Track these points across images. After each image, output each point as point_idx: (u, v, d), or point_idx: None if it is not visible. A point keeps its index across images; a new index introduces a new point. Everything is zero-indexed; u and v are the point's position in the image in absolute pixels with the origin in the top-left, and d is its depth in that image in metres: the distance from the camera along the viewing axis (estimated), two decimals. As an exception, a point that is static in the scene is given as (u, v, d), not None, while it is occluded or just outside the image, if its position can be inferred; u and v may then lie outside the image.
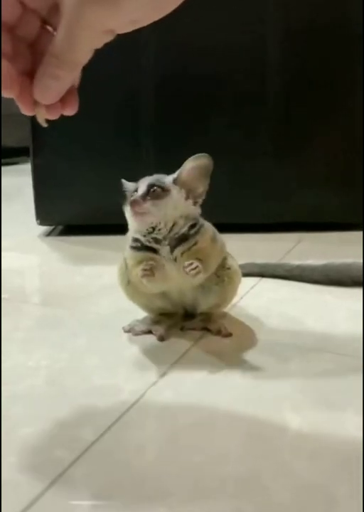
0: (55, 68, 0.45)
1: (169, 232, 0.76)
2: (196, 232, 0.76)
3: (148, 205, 0.75)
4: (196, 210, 0.78)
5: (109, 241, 1.33)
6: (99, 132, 1.37)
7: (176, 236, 0.76)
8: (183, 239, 0.76)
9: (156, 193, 0.75)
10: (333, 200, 1.41)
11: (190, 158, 0.76)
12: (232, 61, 1.32)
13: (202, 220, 0.78)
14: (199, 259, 0.73)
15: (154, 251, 0.76)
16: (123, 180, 0.80)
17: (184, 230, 0.76)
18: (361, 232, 1.41)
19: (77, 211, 1.43)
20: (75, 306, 0.95)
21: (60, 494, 0.50)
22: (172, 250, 0.76)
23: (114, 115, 1.36)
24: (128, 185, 0.82)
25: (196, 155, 0.76)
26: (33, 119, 1.50)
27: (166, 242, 0.76)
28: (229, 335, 0.81)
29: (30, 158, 1.40)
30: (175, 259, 0.76)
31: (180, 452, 0.56)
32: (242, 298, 0.90)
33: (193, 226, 0.77)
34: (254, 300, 0.95)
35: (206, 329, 0.83)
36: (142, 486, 0.51)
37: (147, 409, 0.64)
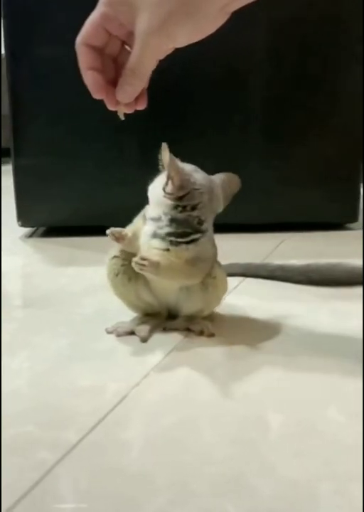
0: (130, 78, 0.64)
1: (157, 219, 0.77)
2: (178, 244, 0.76)
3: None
4: (173, 209, 0.76)
5: (91, 242, 1.33)
6: (81, 134, 1.37)
7: (159, 230, 0.76)
8: (162, 237, 0.76)
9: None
10: (316, 200, 1.42)
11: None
12: (218, 62, 1.33)
13: (201, 239, 0.77)
14: (156, 264, 0.74)
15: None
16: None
17: (164, 230, 0.76)
18: (343, 232, 1.42)
19: (58, 212, 1.42)
20: (57, 307, 0.95)
21: (43, 496, 0.50)
22: (154, 237, 0.76)
23: (96, 116, 1.36)
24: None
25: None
26: (14, 120, 1.49)
27: (152, 227, 0.77)
28: (212, 335, 0.82)
29: (12, 159, 1.39)
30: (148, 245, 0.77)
31: (164, 452, 0.56)
32: (224, 298, 0.90)
33: (180, 235, 0.76)
34: (237, 300, 0.95)
35: (189, 330, 0.83)
36: (127, 487, 0.51)
37: (131, 409, 0.63)
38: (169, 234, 0.76)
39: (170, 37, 0.60)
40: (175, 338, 0.81)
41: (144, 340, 0.80)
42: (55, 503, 0.49)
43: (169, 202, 0.76)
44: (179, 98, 1.34)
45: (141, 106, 0.68)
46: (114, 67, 0.66)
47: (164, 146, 0.75)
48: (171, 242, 0.75)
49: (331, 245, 1.31)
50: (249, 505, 0.49)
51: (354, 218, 1.45)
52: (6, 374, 0.71)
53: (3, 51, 1.33)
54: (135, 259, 0.74)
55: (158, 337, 0.82)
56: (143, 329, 0.82)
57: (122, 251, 0.81)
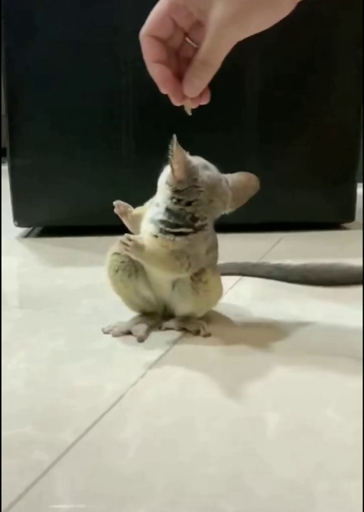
0: (200, 70, 0.62)
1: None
2: (166, 233, 0.76)
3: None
4: (169, 199, 0.76)
5: (88, 242, 1.33)
6: (78, 134, 1.37)
7: (155, 216, 0.77)
8: (155, 222, 0.77)
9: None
10: (312, 200, 1.42)
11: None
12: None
13: (190, 236, 0.76)
14: (141, 247, 0.75)
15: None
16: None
17: (159, 216, 0.77)
18: (340, 231, 1.43)
19: (55, 212, 1.42)
20: (54, 307, 0.95)
21: (39, 497, 0.50)
22: (151, 221, 0.77)
23: (93, 117, 1.36)
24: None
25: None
26: (11, 120, 1.49)
27: (152, 211, 0.78)
28: (209, 335, 0.82)
29: (8, 159, 1.38)
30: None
31: (161, 453, 0.56)
32: (221, 297, 0.90)
33: (171, 226, 0.76)
34: (234, 299, 0.95)
35: (185, 329, 0.83)
36: (123, 488, 0.51)
37: (128, 409, 0.63)
38: (162, 221, 0.76)
39: (243, 27, 0.59)
40: (171, 338, 0.81)
41: (141, 340, 0.80)
42: (52, 503, 0.49)
43: (168, 191, 0.76)
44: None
45: (206, 100, 0.67)
46: (176, 61, 0.65)
47: (174, 138, 0.74)
48: (161, 230, 0.76)
49: (328, 245, 1.31)
50: (246, 505, 0.49)
51: (350, 218, 1.45)
52: (3, 374, 0.71)
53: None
54: (121, 238, 0.74)
55: (155, 337, 0.82)
56: (140, 329, 0.82)
57: None
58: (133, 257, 0.77)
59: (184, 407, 0.64)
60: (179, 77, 0.64)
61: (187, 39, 0.64)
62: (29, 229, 1.48)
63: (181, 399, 0.66)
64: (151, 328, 0.83)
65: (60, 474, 0.53)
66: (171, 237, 0.76)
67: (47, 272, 1.15)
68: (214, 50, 0.61)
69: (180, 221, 0.76)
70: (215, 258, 0.82)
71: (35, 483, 0.51)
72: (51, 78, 1.33)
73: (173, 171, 0.74)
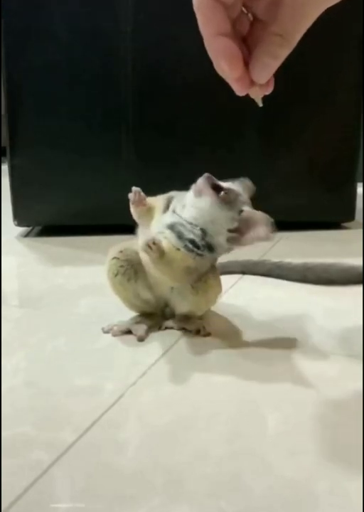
0: (277, 47, 0.48)
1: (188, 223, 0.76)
2: (190, 250, 0.76)
3: (206, 188, 0.75)
4: (221, 235, 0.77)
5: (87, 242, 1.33)
6: (78, 133, 1.37)
7: (181, 228, 0.76)
8: (181, 236, 0.76)
9: (224, 193, 0.75)
10: (313, 199, 1.42)
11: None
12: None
13: (205, 258, 0.78)
14: (162, 253, 0.73)
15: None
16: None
17: (189, 236, 0.76)
18: (340, 231, 1.43)
19: (54, 212, 1.42)
20: (53, 307, 0.95)
21: (40, 496, 0.50)
22: (167, 228, 0.76)
23: (93, 116, 1.36)
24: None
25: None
26: (11, 119, 1.48)
27: (173, 218, 0.77)
28: (208, 334, 0.82)
29: (8, 158, 1.38)
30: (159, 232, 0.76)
31: (160, 452, 0.56)
32: (221, 297, 0.89)
33: (197, 247, 0.76)
34: (234, 298, 0.95)
35: (185, 329, 0.83)
36: (123, 487, 0.51)
37: (127, 409, 0.63)
38: (191, 241, 0.75)
39: None
40: (171, 337, 0.81)
41: (141, 339, 0.80)
42: (52, 503, 0.49)
43: (224, 231, 0.76)
44: (177, 98, 1.34)
45: (270, 88, 0.54)
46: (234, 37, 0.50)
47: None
48: (186, 246, 0.75)
49: (328, 244, 1.31)
50: (245, 504, 0.49)
51: (351, 217, 1.45)
52: (2, 374, 0.71)
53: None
54: (147, 240, 0.72)
55: (155, 336, 0.82)
56: (140, 328, 0.82)
57: (122, 253, 0.81)
58: (148, 259, 0.75)
59: (183, 406, 0.64)
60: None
61: (243, 9, 0.50)
62: (29, 228, 1.48)
63: (181, 398, 0.66)
64: (150, 328, 0.83)
65: (60, 474, 0.53)
66: (193, 255, 0.76)
67: (47, 272, 1.15)
68: (299, 19, 0.48)
69: (207, 247, 0.77)
70: (215, 258, 0.82)
71: (34, 483, 0.51)
72: (52, 78, 1.33)
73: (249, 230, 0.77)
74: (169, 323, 0.84)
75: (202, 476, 0.52)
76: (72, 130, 1.36)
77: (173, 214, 0.77)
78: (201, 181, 0.74)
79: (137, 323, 0.83)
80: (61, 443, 0.57)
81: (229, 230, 0.75)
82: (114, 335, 0.82)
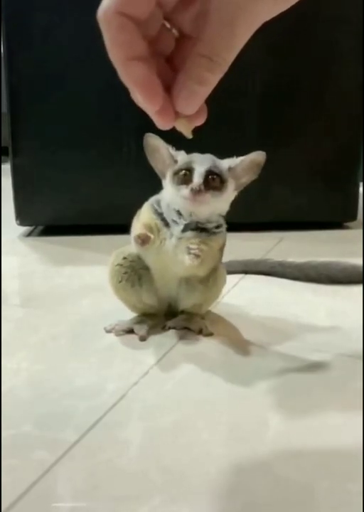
0: (205, 71, 0.40)
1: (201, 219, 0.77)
2: (215, 233, 0.77)
3: (209, 196, 0.74)
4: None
5: (89, 241, 1.33)
6: (80, 133, 1.37)
7: (199, 226, 0.76)
8: (202, 229, 0.76)
9: (215, 182, 0.74)
10: (315, 199, 1.42)
11: (251, 154, 0.78)
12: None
13: (224, 225, 0.79)
14: (203, 251, 0.74)
15: (167, 224, 0.77)
16: (150, 135, 0.77)
17: (211, 225, 0.77)
18: (341, 231, 1.42)
19: (56, 212, 1.42)
20: (55, 306, 0.95)
21: (41, 496, 0.50)
22: (184, 231, 0.76)
23: (95, 115, 1.36)
24: (171, 151, 0.78)
25: (256, 152, 0.78)
26: (13, 119, 1.48)
27: (184, 223, 0.76)
28: (211, 334, 0.82)
29: (10, 158, 1.38)
30: (180, 239, 0.76)
31: (162, 452, 0.56)
32: (223, 296, 0.90)
33: (217, 226, 0.77)
34: (236, 298, 0.95)
35: (187, 329, 0.83)
36: (124, 487, 0.51)
37: (129, 409, 0.63)
38: (216, 226, 0.77)
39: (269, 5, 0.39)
40: (173, 337, 0.81)
41: (143, 338, 0.80)
42: (54, 502, 0.49)
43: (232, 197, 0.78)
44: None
45: (203, 118, 0.44)
46: (152, 58, 0.41)
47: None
48: (212, 232, 0.77)
49: (330, 244, 1.31)
50: (246, 504, 0.49)
51: (353, 217, 1.45)
52: (3, 374, 0.71)
53: (1, 49, 1.32)
54: (192, 247, 0.73)
55: (157, 336, 0.82)
56: (142, 328, 0.82)
57: (125, 259, 0.81)
58: (196, 263, 0.73)
59: (185, 406, 0.64)
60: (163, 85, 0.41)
61: (165, 23, 0.42)
62: (31, 228, 1.48)
63: (182, 398, 0.66)
64: (152, 328, 0.83)
65: (62, 473, 0.53)
66: (220, 235, 0.78)
67: (49, 271, 1.15)
68: (232, 37, 0.39)
69: (224, 224, 0.79)
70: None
71: (36, 482, 0.51)
72: (53, 78, 1.33)
73: (242, 180, 0.78)
74: (171, 322, 0.84)
75: (204, 475, 0.52)
76: (74, 130, 1.36)
77: (177, 223, 0.77)
78: (198, 193, 0.73)
79: (139, 322, 0.83)
80: (63, 443, 0.57)
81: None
82: (116, 334, 0.82)
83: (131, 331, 0.82)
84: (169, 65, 0.42)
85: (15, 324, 0.88)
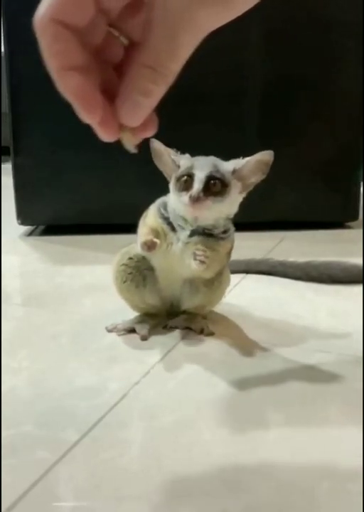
0: (148, 82, 0.38)
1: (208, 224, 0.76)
2: (223, 238, 0.77)
3: (209, 202, 0.73)
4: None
5: (90, 241, 1.33)
6: (80, 133, 1.36)
7: (206, 231, 0.76)
8: (209, 235, 0.76)
9: (216, 187, 0.73)
10: (316, 199, 1.42)
11: (257, 154, 0.76)
12: (216, 60, 1.32)
13: (232, 228, 0.79)
14: (208, 256, 0.73)
15: (173, 228, 0.76)
16: (155, 141, 0.77)
17: (218, 230, 0.76)
18: (343, 230, 1.42)
19: (58, 211, 1.42)
20: (56, 306, 0.95)
21: (42, 495, 0.50)
22: (191, 236, 0.75)
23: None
24: (173, 157, 0.77)
25: (264, 152, 0.76)
26: (14, 119, 1.48)
27: (191, 228, 0.76)
28: (212, 334, 0.82)
29: (11, 158, 1.38)
30: (186, 244, 0.75)
31: (163, 452, 0.56)
32: (225, 296, 0.89)
33: (225, 231, 0.77)
34: (238, 298, 0.95)
35: (189, 328, 0.83)
36: (125, 486, 0.51)
37: (130, 408, 0.63)
38: (223, 232, 0.77)
39: (228, 5, 0.37)
40: (175, 336, 0.81)
41: (144, 338, 0.80)
42: (55, 501, 0.49)
43: (240, 199, 0.77)
44: (178, 96, 1.33)
45: (152, 130, 0.42)
46: (98, 66, 0.40)
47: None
48: (219, 237, 0.76)
49: (331, 243, 1.31)
50: (248, 504, 0.49)
51: (354, 217, 1.45)
52: (5, 373, 0.71)
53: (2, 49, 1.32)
54: (198, 252, 0.72)
55: (158, 336, 0.82)
56: (144, 327, 0.82)
57: (131, 259, 0.81)
58: (202, 268, 0.73)
59: (186, 406, 0.64)
60: (107, 95, 0.39)
61: (111, 30, 0.40)
62: (32, 227, 1.48)
63: (184, 398, 0.66)
64: (154, 327, 0.83)
65: (63, 473, 0.52)
66: (228, 239, 0.78)
67: (50, 271, 1.15)
68: (175, 47, 0.37)
69: (232, 228, 0.79)
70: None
71: (38, 482, 0.51)
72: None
73: (249, 181, 0.77)
74: (173, 322, 0.84)
75: (205, 475, 0.52)
76: (75, 129, 1.35)
77: (183, 228, 0.76)
78: (197, 201, 0.72)
79: (141, 322, 0.83)
80: (64, 442, 0.57)
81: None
82: (118, 334, 0.82)
83: (132, 331, 0.82)
84: (118, 73, 0.40)
85: (17, 323, 0.88)
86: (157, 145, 0.77)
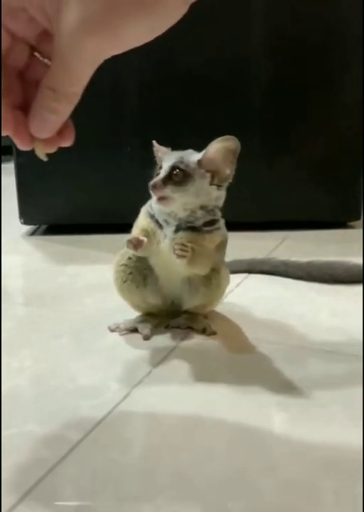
0: (52, 101, 0.43)
1: (186, 217, 0.76)
2: (209, 231, 0.76)
3: (168, 191, 0.73)
4: (220, 196, 0.77)
5: (93, 240, 1.33)
6: (83, 131, 1.36)
7: (188, 224, 0.76)
8: (193, 229, 0.76)
9: (177, 176, 0.73)
10: (319, 199, 1.42)
11: (216, 140, 0.74)
12: (218, 61, 1.32)
13: (221, 222, 0.78)
14: (193, 250, 0.73)
15: (160, 226, 0.77)
16: (154, 143, 0.79)
17: (199, 222, 0.76)
18: (345, 230, 1.42)
19: (60, 210, 1.42)
20: (58, 305, 0.95)
21: (45, 495, 0.50)
22: (176, 231, 0.76)
23: (98, 114, 1.36)
24: (161, 150, 0.79)
25: (223, 137, 0.74)
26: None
27: (175, 223, 0.76)
28: (214, 333, 0.82)
29: (14, 157, 1.38)
30: (173, 239, 0.75)
31: (166, 452, 0.56)
32: (227, 296, 0.89)
33: (210, 223, 0.76)
34: (240, 297, 0.95)
35: (191, 328, 0.83)
36: (128, 486, 0.51)
37: (132, 408, 0.63)
38: (206, 223, 0.76)
39: (114, 36, 0.41)
40: (177, 336, 0.81)
41: (147, 338, 0.80)
42: (57, 501, 0.49)
43: (217, 193, 0.76)
44: (180, 96, 1.34)
45: (68, 141, 0.49)
46: (20, 85, 0.46)
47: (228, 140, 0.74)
48: (205, 231, 0.76)
49: (334, 243, 1.31)
50: (251, 503, 0.49)
51: (356, 217, 1.44)
52: (7, 372, 0.71)
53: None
54: (177, 245, 0.72)
55: (160, 335, 0.82)
56: (146, 327, 0.82)
57: (131, 259, 0.81)
58: (185, 263, 0.74)
59: (189, 405, 0.64)
60: (26, 108, 0.45)
61: (36, 54, 0.46)
62: (35, 227, 1.48)
63: (186, 398, 0.66)
64: (156, 327, 0.83)
65: (65, 472, 0.53)
66: (215, 232, 0.77)
67: (53, 270, 1.15)
68: (69, 72, 0.42)
69: (215, 215, 0.77)
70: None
71: (40, 481, 0.51)
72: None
73: (221, 171, 0.75)
74: (175, 322, 0.84)
75: (208, 475, 0.52)
76: (78, 128, 1.36)
77: (168, 224, 0.77)
78: (154, 188, 0.73)
79: (143, 322, 0.83)
80: (66, 442, 0.57)
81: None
82: (120, 334, 0.82)
83: (134, 330, 0.82)
84: None
85: (19, 323, 0.88)
86: (155, 146, 0.78)
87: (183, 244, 0.73)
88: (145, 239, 0.75)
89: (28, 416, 0.62)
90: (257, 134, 1.38)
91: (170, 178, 0.73)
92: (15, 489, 0.50)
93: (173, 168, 0.73)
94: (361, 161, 1.42)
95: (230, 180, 0.76)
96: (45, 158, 0.49)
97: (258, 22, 1.30)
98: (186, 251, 0.72)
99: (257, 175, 1.37)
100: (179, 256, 0.72)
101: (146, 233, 0.77)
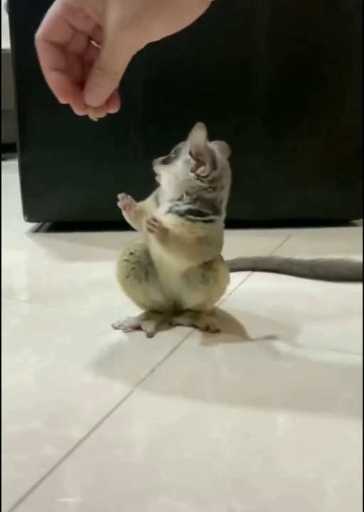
0: (100, 78, 0.57)
1: (177, 199, 0.78)
2: (191, 220, 0.77)
3: (158, 167, 0.80)
4: (203, 189, 0.77)
5: (97, 238, 1.33)
6: (87, 129, 1.36)
7: (176, 208, 0.77)
8: (179, 213, 0.77)
9: (169, 158, 0.80)
10: (322, 197, 1.42)
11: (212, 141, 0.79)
12: (221, 59, 1.32)
13: (217, 221, 0.79)
14: (166, 230, 0.75)
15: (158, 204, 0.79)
16: (155, 162, 0.82)
17: (182, 208, 0.77)
18: (348, 228, 1.42)
19: (64, 208, 1.42)
20: (62, 303, 0.95)
21: (48, 492, 0.50)
22: (168, 212, 0.77)
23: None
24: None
25: (214, 141, 0.80)
26: (20, 115, 1.49)
27: (168, 204, 0.78)
28: (218, 331, 0.81)
29: (18, 154, 1.38)
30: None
31: (169, 449, 0.56)
32: (231, 294, 0.89)
33: (195, 213, 0.77)
34: (244, 295, 0.95)
35: (194, 326, 0.83)
36: (132, 484, 0.51)
37: (136, 406, 0.63)
38: (189, 211, 0.77)
39: (145, 30, 0.53)
40: (180, 334, 0.81)
41: (150, 335, 0.80)
42: (61, 498, 0.49)
43: (199, 183, 0.77)
44: (183, 95, 1.33)
45: (114, 108, 0.63)
46: (80, 66, 0.60)
47: (201, 125, 0.78)
48: (188, 219, 0.77)
49: (337, 241, 1.30)
50: (254, 502, 0.49)
51: (359, 215, 1.44)
52: (10, 369, 0.71)
53: (3, 46, 1.32)
54: (147, 218, 0.75)
55: (164, 333, 0.82)
56: (150, 324, 0.82)
57: (132, 255, 0.82)
58: (156, 240, 0.76)
59: (192, 403, 0.64)
60: (83, 83, 0.59)
61: (93, 42, 0.59)
62: (39, 224, 1.48)
63: (190, 396, 0.66)
64: (160, 324, 0.83)
65: (69, 470, 0.53)
66: (200, 224, 0.77)
67: (57, 267, 1.15)
68: (113, 57, 0.55)
69: (210, 209, 0.78)
70: (221, 247, 0.82)
71: (43, 479, 0.51)
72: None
73: (208, 161, 0.76)
74: (179, 319, 0.84)
75: (211, 473, 0.52)
76: (82, 126, 1.36)
77: (164, 203, 0.79)
78: (154, 166, 0.80)
79: (147, 319, 0.83)
80: (70, 439, 0.57)
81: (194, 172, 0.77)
82: (124, 331, 0.82)
83: (138, 328, 0.82)
84: None
85: (23, 320, 0.88)
86: (155, 167, 0.81)
87: (152, 219, 0.74)
88: (136, 204, 0.80)
89: (32, 413, 0.62)
90: (260, 133, 1.37)
91: (168, 158, 0.79)
92: (18, 486, 0.50)
93: (174, 150, 0.79)
94: (363, 159, 1.42)
95: (218, 183, 0.78)
96: (95, 119, 0.64)
97: (261, 21, 1.29)
98: (153, 227, 0.74)
99: (260, 173, 1.37)
100: (148, 230, 0.75)
101: (144, 210, 0.80)
